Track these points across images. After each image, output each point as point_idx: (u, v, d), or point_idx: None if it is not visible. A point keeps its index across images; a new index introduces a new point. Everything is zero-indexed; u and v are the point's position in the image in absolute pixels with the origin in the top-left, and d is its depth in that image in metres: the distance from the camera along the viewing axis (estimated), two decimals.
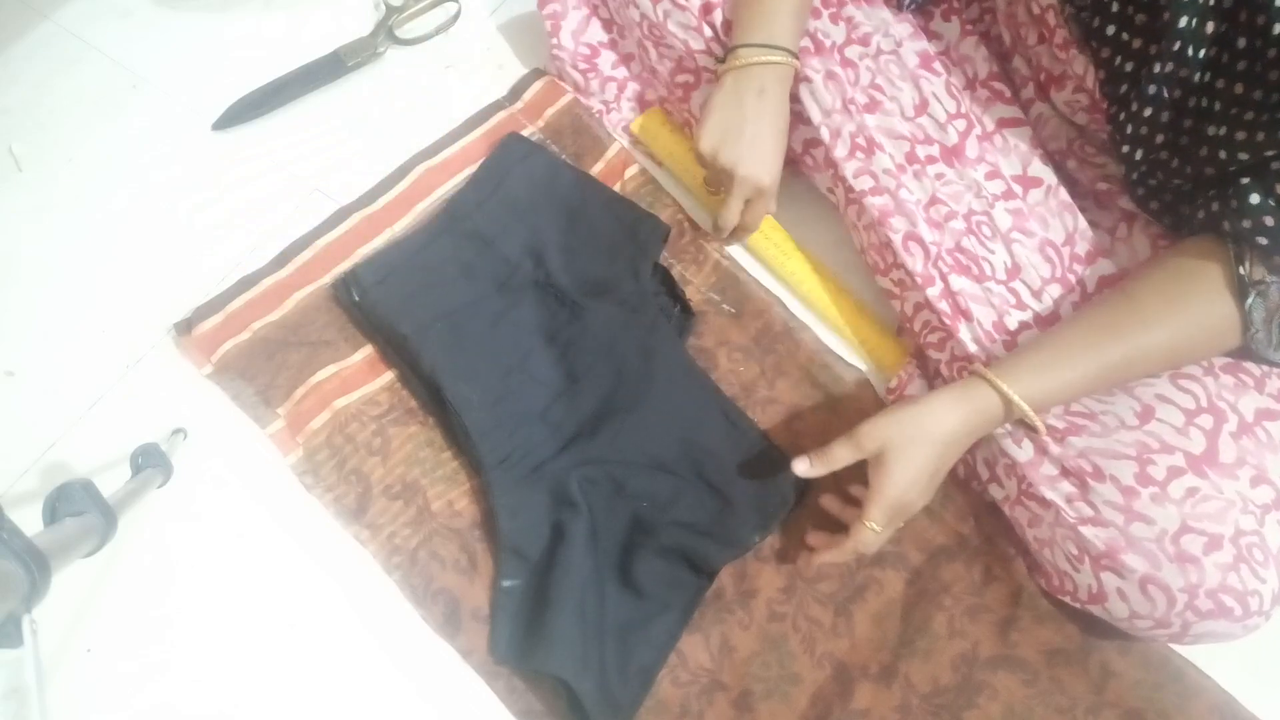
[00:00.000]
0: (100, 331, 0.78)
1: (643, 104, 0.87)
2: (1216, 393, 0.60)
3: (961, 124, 0.73)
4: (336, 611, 0.68)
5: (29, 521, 0.50)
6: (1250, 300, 0.56)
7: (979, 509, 0.70)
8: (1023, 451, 0.63)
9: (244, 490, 0.72)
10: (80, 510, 0.55)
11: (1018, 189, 0.72)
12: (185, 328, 0.76)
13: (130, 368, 0.77)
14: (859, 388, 0.75)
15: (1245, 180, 0.54)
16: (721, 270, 0.80)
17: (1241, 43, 0.53)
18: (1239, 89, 0.54)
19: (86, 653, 0.67)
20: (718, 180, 0.74)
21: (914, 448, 0.60)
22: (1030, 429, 0.62)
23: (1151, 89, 0.58)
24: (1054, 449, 0.61)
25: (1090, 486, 0.59)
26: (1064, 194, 0.71)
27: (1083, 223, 0.71)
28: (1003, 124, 0.73)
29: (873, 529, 0.61)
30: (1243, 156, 0.55)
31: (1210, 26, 0.54)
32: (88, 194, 0.85)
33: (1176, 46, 0.55)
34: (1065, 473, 0.61)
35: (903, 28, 0.75)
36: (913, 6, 0.75)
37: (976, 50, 0.74)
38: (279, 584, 0.69)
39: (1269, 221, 0.53)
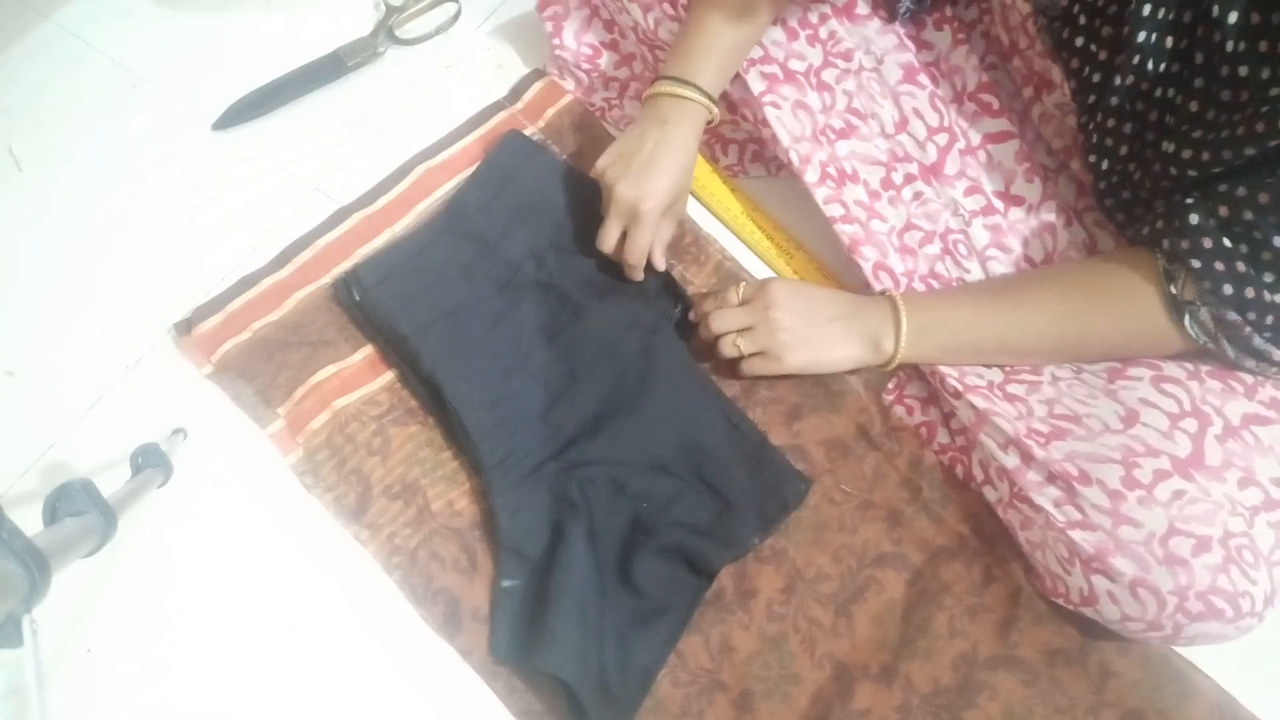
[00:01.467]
0: (100, 331, 0.78)
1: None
2: (1201, 397, 0.61)
3: (943, 138, 0.73)
4: (336, 611, 0.68)
5: (29, 521, 0.49)
6: (1186, 320, 0.58)
7: (979, 510, 0.70)
8: (1009, 458, 0.64)
9: (244, 490, 0.72)
10: (80, 510, 0.55)
11: (999, 205, 0.72)
12: (185, 328, 0.76)
13: (130, 368, 0.77)
14: (860, 387, 0.75)
15: (1189, 200, 0.55)
16: (723, 271, 0.80)
17: (1199, 58, 0.53)
18: (1194, 106, 0.55)
19: (86, 653, 0.67)
20: (605, 204, 0.72)
21: (796, 283, 0.72)
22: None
23: (1114, 100, 0.59)
24: (1039, 454, 0.62)
25: (1077, 490, 0.59)
26: (1047, 213, 0.72)
27: (1064, 241, 0.71)
28: (988, 139, 0.73)
29: (734, 294, 0.71)
30: (1191, 174, 0.56)
31: (1170, 41, 0.55)
32: (88, 194, 0.85)
33: (1136, 60, 0.56)
34: (1052, 477, 0.61)
35: (887, 40, 0.75)
36: (906, 16, 0.75)
37: (967, 60, 0.75)
38: (279, 584, 0.69)
39: (1207, 244, 0.54)
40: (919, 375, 0.74)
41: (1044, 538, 0.63)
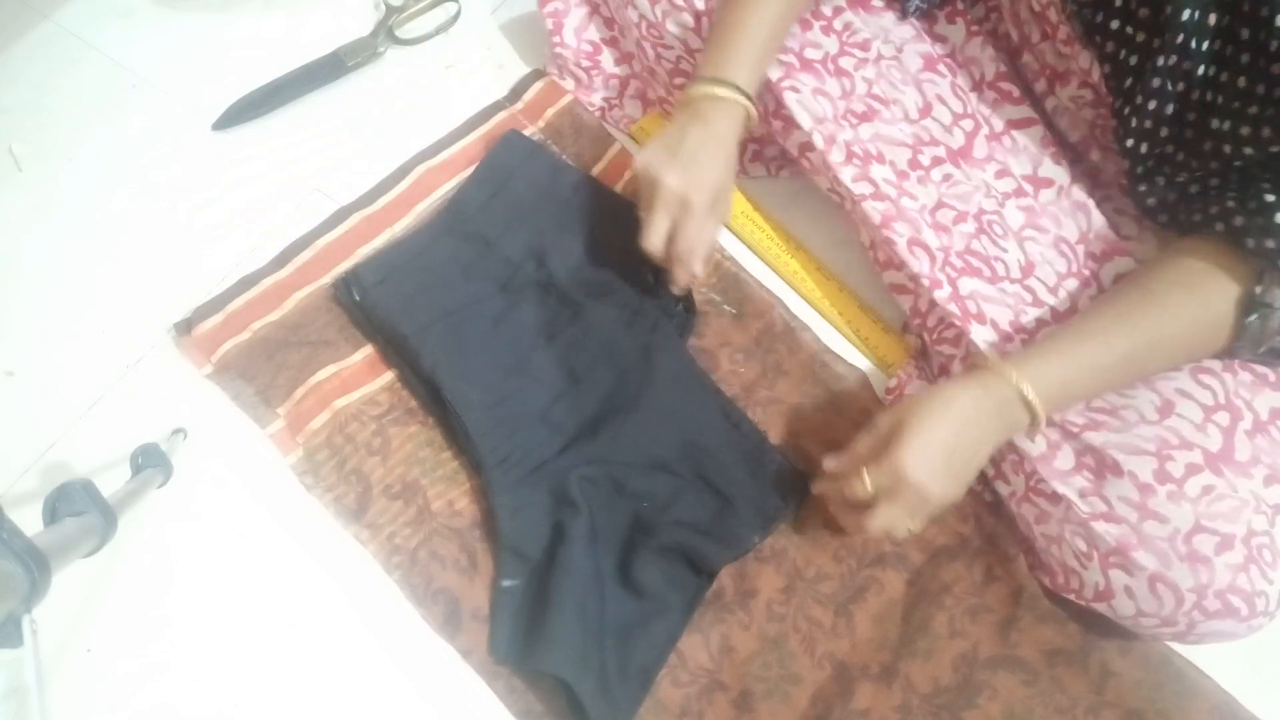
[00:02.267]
0: (100, 331, 0.78)
1: (645, 101, 0.87)
2: (1234, 389, 0.60)
3: (969, 124, 0.73)
4: (336, 611, 0.68)
5: (29, 521, 0.49)
6: (1251, 319, 0.56)
7: (980, 509, 0.70)
8: (1035, 445, 0.63)
9: (244, 490, 0.72)
10: (80, 510, 0.55)
11: (1029, 188, 0.71)
12: (185, 328, 0.76)
13: (130, 368, 0.77)
14: (860, 387, 0.75)
15: (1271, 197, 0.53)
16: (723, 270, 0.80)
17: (1245, 34, 0.53)
18: (1242, 82, 0.54)
19: (86, 653, 0.67)
20: (649, 199, 0.67)
21: (928, 419, 0.58)
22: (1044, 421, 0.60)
23: (1155, 82, 0.58)
24: (1071, 442, 0.61)
25: (1107, 480, 0.59)
26: (1078, 193, 0.71)
27: (1098, 221, 0.70)
28: (1011, 125, 0.73)
29: (864, 482, 0.59)
30: (1248, 151, 0.55)
31: (1213, 18, 0.54)
32: (88, 194, 0.85)
33: (1180, 39, 0.55)
34: (1080, 466, 0.61)
35: (904, 31, 0.75)
36: (917, 12, 0.75)
37: (983, 51, 0.74)
38: (279, 584, 0.69)
39: None
40: (919, 375, 0.74)
41: (1061, 531, 0.62)
